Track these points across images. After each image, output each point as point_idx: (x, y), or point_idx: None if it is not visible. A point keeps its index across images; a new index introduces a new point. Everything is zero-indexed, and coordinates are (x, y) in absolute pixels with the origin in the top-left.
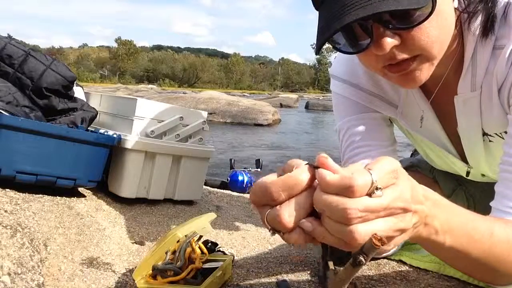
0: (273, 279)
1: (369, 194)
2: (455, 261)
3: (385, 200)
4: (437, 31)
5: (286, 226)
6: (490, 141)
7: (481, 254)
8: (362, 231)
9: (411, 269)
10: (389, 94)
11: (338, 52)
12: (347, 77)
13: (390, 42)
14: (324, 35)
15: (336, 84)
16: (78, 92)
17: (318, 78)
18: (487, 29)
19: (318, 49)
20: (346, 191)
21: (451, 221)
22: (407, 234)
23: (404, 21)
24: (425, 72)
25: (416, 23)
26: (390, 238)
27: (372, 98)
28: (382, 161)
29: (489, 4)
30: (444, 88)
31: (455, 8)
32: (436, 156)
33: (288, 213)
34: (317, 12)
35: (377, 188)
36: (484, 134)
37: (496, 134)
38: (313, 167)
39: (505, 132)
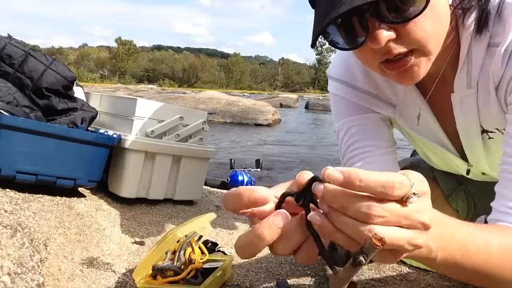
0: (273, 279)
1: (407, 199)
2: (448, 272)
3: (411, 208)
4: (431, 26)
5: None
6: (490, 137)
7: (475, 266)
8: (380, 234)
9: (411, 269)
10: (387, 93)
11: (335, 54)
12: (345, 78)
13: (385, 35)
14: (320, 25)
15: (333, 85)
16: (78, 92)
17: (318, 78)
18: (481, 25)
19: (314, 41)
20: (385, 189)
21: (446, 238)
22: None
23: (399, 16)
24: (423, 67)
25: (411, 17)
26: (399, 252)
27: (370, 98)
28: (412, 172)
29: (483, 1)
30: (441, 86)
31: (449, 5)
32: (436, 156)
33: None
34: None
35: (414, 194)
36: (484, 131)
37: (497, 129)
38: (319, 181)
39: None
